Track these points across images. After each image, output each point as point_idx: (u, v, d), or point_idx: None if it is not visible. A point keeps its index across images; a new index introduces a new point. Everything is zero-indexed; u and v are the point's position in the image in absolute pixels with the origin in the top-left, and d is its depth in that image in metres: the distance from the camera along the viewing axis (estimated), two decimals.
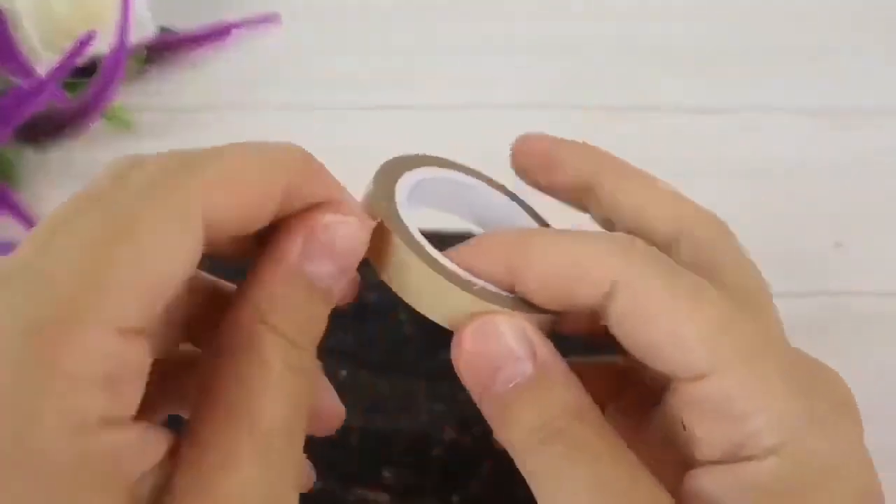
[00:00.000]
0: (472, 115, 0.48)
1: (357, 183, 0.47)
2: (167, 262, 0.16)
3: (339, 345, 0.35)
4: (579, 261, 0.20)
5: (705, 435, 0.20)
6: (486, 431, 0.32)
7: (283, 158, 0.19)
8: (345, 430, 0.32)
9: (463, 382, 0.20)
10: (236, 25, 0.52)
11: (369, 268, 0.38)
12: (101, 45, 0.44)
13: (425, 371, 0.34)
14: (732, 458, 0.19)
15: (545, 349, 0.20)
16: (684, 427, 0.20)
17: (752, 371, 0.19)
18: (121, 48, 0.44)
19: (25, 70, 0.43)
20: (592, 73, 0.50)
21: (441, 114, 0.48)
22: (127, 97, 0.47)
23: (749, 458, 0.19)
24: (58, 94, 0.43)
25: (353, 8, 0.56)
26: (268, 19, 0.54)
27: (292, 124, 0.47)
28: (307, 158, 0.20)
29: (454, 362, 0.20)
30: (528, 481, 0.20)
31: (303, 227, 0.19)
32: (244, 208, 0.18)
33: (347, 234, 0.19)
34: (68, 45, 0.42)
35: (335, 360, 0.35)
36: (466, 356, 0.20)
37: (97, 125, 0.45)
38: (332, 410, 0.24)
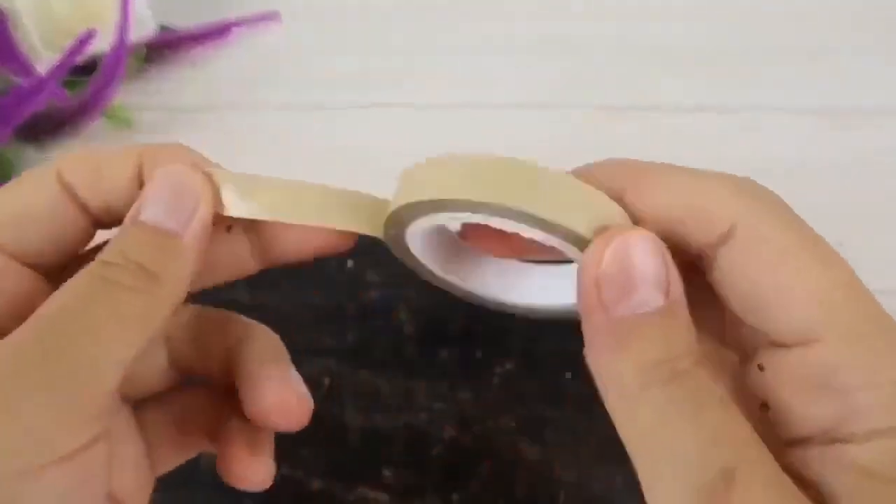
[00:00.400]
0: (472, 115, 0.48)
1: (357, 182, 0.47)
2: (24, 202, 0.21)
3: (340, 343, 0.35)
4: (702, 195, 0.19)
5: (801, 408, 0.18)
6: (486, 430, 0.32)
7: (138, 143, 0.22)
8: (344, 430, 0.32)
9: (580, 297, 0.18)
10: (236, 24, 0.52)
11: (370, 268, 0.38)
12: (101, 44, 0.44)
13: (425, 370, 0.34)
14: (828, 435, 0.18)
15: (678, 283, 0.18)
16: (768, 408, 0.19)
17: (864, 343, 0.17)
18: (121, 47, 0.44)
19: (26, 69, 0.42)
20: (592, 72, 0.50)
21: (441, 113, 0.48)
22: (127, 96, 0.47)
23: (848, 439, 0.17)
24: (58, 92, 0.43)
25: (353, 7, 0.56)
26: (268, 18, 0.54)
27: (292, 124, 0.47)
28: (176, 146, 0.23)
29: (582, 274, 0.18)
30: (623, 418, 0.18)
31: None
32: (96, 172, 0.22)
33: (176, 178, 0.21)
34: (68, 43, 0.42)
35: (335, 359, 0.35)
36: (603, 270, 0.18)
37: (97, 124, 0.45)
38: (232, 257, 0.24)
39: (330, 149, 0.46)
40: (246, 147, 0.46)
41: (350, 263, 0.39)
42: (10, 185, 0.22)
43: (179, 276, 0.21)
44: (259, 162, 0.45)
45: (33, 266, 0.22)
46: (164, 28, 0.51)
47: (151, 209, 0.21)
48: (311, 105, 0.48)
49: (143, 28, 0.48)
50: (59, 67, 0.41)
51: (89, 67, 0.44)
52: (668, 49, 0.52)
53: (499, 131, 0.47)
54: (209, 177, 0.22)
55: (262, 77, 0.50)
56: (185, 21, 0.52)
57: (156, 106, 0.48)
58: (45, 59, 0.44)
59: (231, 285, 0.38)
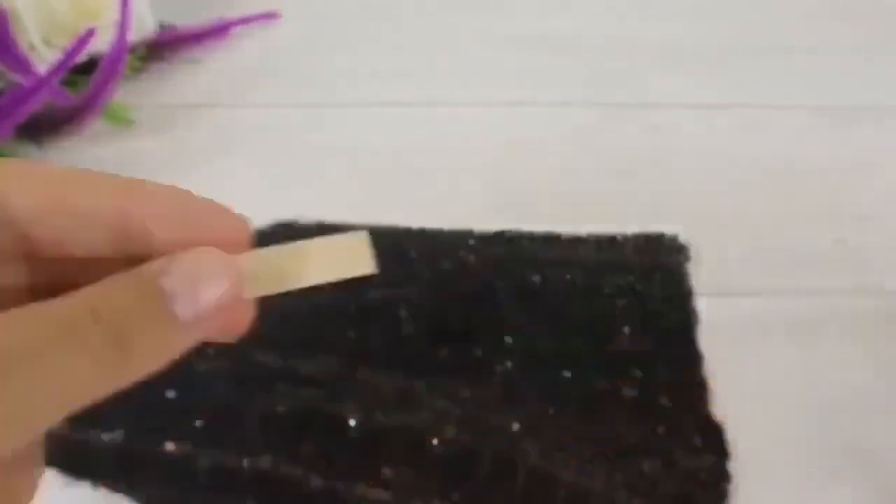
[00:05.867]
0: (472, 113, 0.48)
1: (356, 180, 0.47)
2: None
3: (340, 342, 0.35)
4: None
5: None
6: (486, 430, 0.32)
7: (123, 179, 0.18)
8: (345, 428, 0.32)
9: None
10: (236, 22, 0.52)
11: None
12: (101, 43, 0.44)
13: (425, 368, 0.34)
14: None
15: None
16: None
17: None
18: (121, 46, 0.44)
19: (26, 68, 0.42)
20: (591, 71, 0.50)
21: (441, 111, 0.48)
22: (127, 94, 0.47)
23: None
24: (58, 92, 0.43)
25: (353, 6, 0.56)
26: (268, 17, 0.54)
27: (292, 122, 0.47)
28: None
29: None
30: None
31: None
32: (42, 199, 0.17)
33: (203, 266, 0.18)
34: (68, 42, 0.42)
35: (335, 358, 0.35)
36: None
37: (97, 123, 0.45)
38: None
39: (329, 147, 0.46)
40: (246, 146, 0.46)
41: None
42: None
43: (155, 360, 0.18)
44: (259, 161, 0.45)
45: None
46: (163, 27, 0.51)
47: (170, 282, 0.17)
48: (311, 104, 0.48)
49: (142, 27, 0.48)
50: (60, 66, 0.41)
51: (89, 66, 0.44)
52: (668, 47, 0.52)
53: (498, 129, 0.47)
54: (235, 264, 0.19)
55: (262, 76, 0.50)
56: (184, 20, 0.52)
57: (155, 104, 0.48)
58: (45, 58, 0.44)
59: None
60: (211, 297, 0.18)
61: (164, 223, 0.18)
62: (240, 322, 0.20)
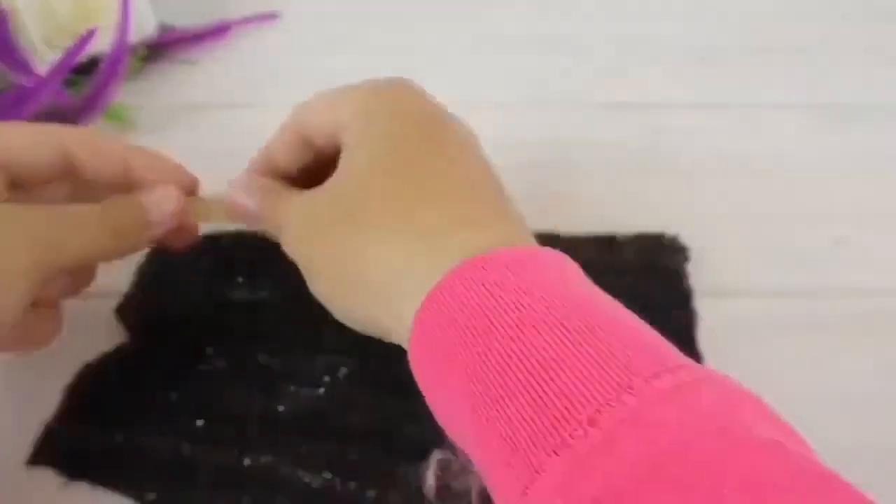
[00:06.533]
0: (472, 113, 0.48)
1: None
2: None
3: (341, 341, 0.35)
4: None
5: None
6: None
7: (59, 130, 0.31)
8: (346, 427, 0.32)
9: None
10: (236, 23, 0.52)
11: None
12: (102, 43, 0.44)
13: None
14: None
15: None
16: None
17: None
18: (121, 46, 0.44)
19: (26, 68, 0.43)
20: (591, 71, 0.50)
21: None
22: (127, 95, 0.47)
23: None
24: (59, 92, 0.43)
25: (353, 6, 0.56)
26: (267, 17, 0.54)
27: None
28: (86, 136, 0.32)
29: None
30: None
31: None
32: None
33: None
34: (69, 43, 0.42)
35: (336, 356, 0.35)
36: None
37: (98, 122, 0.45)
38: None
39: None
40: (246, 146, 0.46)
41: None
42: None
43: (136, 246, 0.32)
44: None
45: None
46: (164, 28, 0.51)
47: (148, 200, 0.32)
48: None
49: (143, 27, 0.48)
50: (60, 67, 0.41)
51: (90, 67, 0.44)
52: (667, 47, 0.52)
53: (499, 129, 0.47)
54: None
55: (262, 76, 0.51)
56: (185, 20, 0.52)
57: (156, 104, 0.48)
58: (46, 59, 0.44)
59: (231, 284, 0.38)
60: (168, 209, 0.32)
61: (149, 175, 0.33)
62: (189, 235, 0.34)
